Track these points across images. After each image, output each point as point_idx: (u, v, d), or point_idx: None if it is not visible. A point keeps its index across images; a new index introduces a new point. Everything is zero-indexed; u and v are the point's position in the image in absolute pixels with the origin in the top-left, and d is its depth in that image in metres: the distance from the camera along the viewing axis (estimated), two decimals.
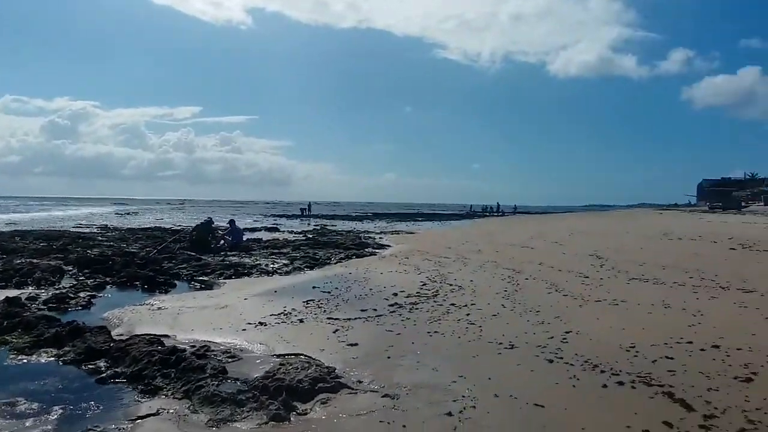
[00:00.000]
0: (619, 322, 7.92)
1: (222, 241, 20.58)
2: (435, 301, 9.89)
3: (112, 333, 8.24)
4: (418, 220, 58.52)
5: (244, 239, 22.63)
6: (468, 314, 8.71)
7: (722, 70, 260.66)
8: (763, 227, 27.08)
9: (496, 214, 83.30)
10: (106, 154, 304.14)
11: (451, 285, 11.67)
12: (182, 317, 9.29)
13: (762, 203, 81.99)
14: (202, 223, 20.83)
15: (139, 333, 8.26)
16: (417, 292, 10.83)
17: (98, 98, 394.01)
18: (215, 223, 22.16)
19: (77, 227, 35.95)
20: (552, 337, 7.18)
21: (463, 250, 19.11)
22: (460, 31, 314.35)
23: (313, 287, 12.02)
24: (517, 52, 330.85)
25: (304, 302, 10.16)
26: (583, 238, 24.50)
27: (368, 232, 34.29)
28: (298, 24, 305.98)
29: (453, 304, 9.52)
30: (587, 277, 12.23)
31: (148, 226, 35.88)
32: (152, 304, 10.50)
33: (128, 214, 59.52)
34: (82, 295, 11.53)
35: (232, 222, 22.08)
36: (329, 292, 11.29)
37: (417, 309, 9.26)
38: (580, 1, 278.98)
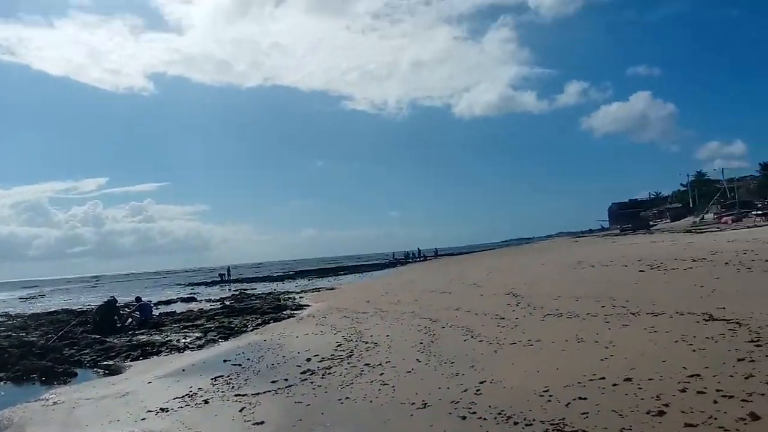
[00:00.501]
0: (534, 365, 7.75)
1: (129, 320, 19.51)
2: (349, 363, 9.49)
3: None
4: (341, 274, 58.02)
5: (155, 314, 21.62)
6: (382, 374, 8.35)
7: (615, 98, 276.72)
8: (669, 244, 28.15)
9: (418, 259, 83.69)
10: (9, 234, 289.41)
11: (366, 342, 11.29)
12: (78, 411, 8.61)
13: (668, 220, 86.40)
14: (104, 303, 19.61)
15: None
16: (331, 355, 10.39)
17: None
18: (120, 302, 21.02)
19: None
20: (466, 390, 6.91)
21: (381, 302, 18.80)
22: (363, 82, 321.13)
23: (224, 361, 11.41)
24: (422, 97, 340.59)
25: (212, 379, 9.57)
26: (500, 276, 24.68)
27: (288, 292, 33.60)
28: (202, 86, 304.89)
29: (367, 364, 9.14)
30: (503, 318, 12.10)
31: (53, 310, 33.81)
32: (47, 399, 9.78)
33: (34, 297, 56.15)
34: None
35: (138, 298, 21.04)
36: (240, 365, 10.70)
37: (330, 374, 8.83)
38: (475, 44, 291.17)
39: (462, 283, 23.00)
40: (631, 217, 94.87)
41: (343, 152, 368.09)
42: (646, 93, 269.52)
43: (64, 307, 35.39)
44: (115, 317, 19.15)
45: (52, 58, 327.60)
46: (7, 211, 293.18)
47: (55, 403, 9.39)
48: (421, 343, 10.52)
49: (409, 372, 8.27)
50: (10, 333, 20.54)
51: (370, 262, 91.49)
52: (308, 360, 10.22)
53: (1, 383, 12.03)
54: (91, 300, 38.84)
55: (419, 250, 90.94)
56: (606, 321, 10.26)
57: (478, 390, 6.86)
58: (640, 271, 17.70)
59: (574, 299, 13.48)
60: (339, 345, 11.41)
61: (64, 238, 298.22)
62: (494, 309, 13.67)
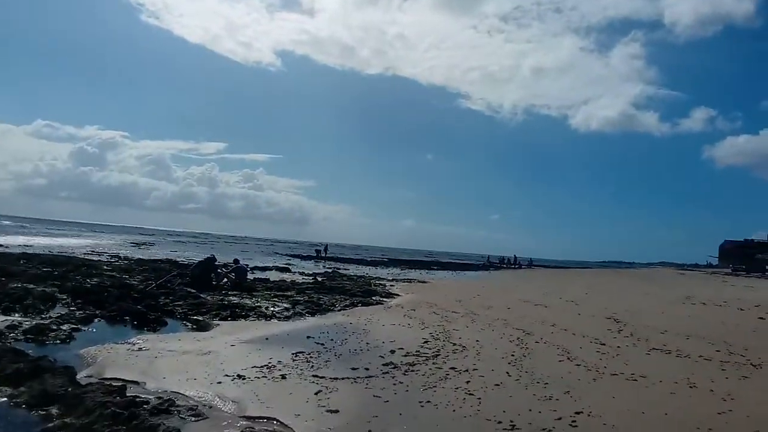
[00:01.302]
0: (638, 404, 6.99)
1: (225, 279, 19.94)
2: (434, 363, 9.02)
3: (80, 374, 7.67)
4: (433, 269, 57.48)
5: (249, 278, 22.03)
6: (468, 381, 7.83)
7: (744, 130, 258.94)
8: None
9: (513, 266, 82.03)
10: (131, 183, 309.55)
11: (454, 344, 10.78)
12: (159, 362, 8.61)
13: None
14: (203, 260, 20.18)
15: (107, 376, 7.67)
16: (416, 351, 9.96)
17: (127, 129, 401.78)
18: (219, 261, 21.54)
19: (88, 254, 35.77)
20: (560, 419, 6.28)
21: (473, 305, 18.20)
22: (483, 82, 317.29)
23: (308, 337, 11.25)
24: (540, 105, 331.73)
25: (293, 354, 9.40)
26: (600, 297, 23.46)
27: (380, 278, 33.44)
28: (325, 68, 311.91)
29: (453, 368, 8.64)
30: (603, 344, 11.26)
31: (158, 258, 35.44)
32: (133, 344, 9.93)
33: (144, 245, 59.21)
34: (64, 327, 11.09)
35: (236, 260, 21.47)
36: (323, 344, 10.49)
37: (413, 371, 8.40)
38: (601, 57, 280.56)
39: (558, 298, 22.01)
40: (745, 257, 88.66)
41: (453, 149, 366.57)
42: None
43: (169, 257, 37.04)
44: (212, 275, 19.61)
45: (192, 26, 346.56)
46: (132, 162, 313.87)
47: (140, 348, 9.50)
48: (513, 355, 9.91)
49: (498, 385, 7.70)
50: (114, 273, 21.60)
51: (464, 261, 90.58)
52: (392, 352, 9.86)
53: (97, 320, 12.37)
54: (195, 255, 40.36)
55: (515, 257, 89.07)
56: (722, 368, 9.26)
57: (573, 422, 6.21)
58: (760, 318, 16.20)
59: (684, 337, 12.41)
60: (425, 342, 10.97)
61: (180, 194, 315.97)
62: (593, 332, 12.82)
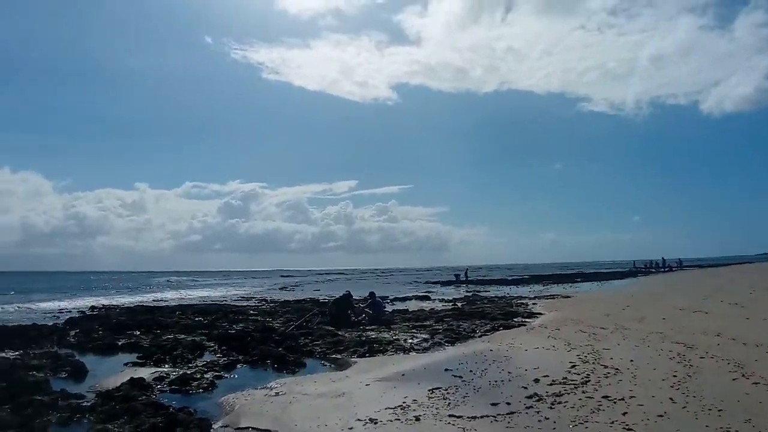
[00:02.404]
0: None
1: (362, 315, 19.89)
2: (584, 391, 8.14)
3: (216, 424, 7.84)
4: (577, 281, 54.87)
5: (387, 311, 21.89)
6: (625, 413, 6.91)
7: None
8: None
9: (662, 269, 76.93)
10: (274, 229, 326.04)
11: (605, 367, 9.79)
12: (292, 407, 8.49)
13: None
14: (340, 297, 20.29)
15: (242, 426, 7.76)
16: (563, 378, 9.11)
17: (265, 179, 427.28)
18: (357, 296, 21.62)
19: (238, 300, 37.68)
20: None
21: (623, 318, 16.83)
22: (602, 82, 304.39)
23: (446, 369, 10.70)
24: (666, 95, 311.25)
25: (429, 390, 8.91)
26: None
27: (521, 297, 32.27)
28: (441, 93, 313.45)
29: (606, 396, 7.73)
30: None
31: (302, 298, 36.53)
32: (271, 389, 9.95)
33: (289, 287, 61.40)
34: (208, 375, 11.48)
35: (372, 294, 21.36)
36: (461, 377, 9.91)
37: (560, 403, 7.59)
38: (724, 32, 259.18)
39: (719, 302, 19.96)
40: None
41: (581, 155, 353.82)
42: None
43: (312, 297, 38.07)
44: (349, 311, 19.62)
45: (310, 75, 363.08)
46: (273, 209, 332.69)
47: (277, 393, 9.47)
48: (675, 375, 8.78)
49: (661, 416, 6.71)
50: (258, 317, 22.34)
51: (610, 270, 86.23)
52: (536, 381, 9.09)
53: (239, 366, 12.69)
54: (336, 292, 41.12)
55: (663, 260, 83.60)
56: None
57: None
58: None
59: None
60: (573, 366, 10.07)
61: (320, 234, 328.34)
62: None
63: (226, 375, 11.70)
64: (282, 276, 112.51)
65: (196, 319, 22.37)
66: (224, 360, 13.22)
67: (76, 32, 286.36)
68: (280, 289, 58.65)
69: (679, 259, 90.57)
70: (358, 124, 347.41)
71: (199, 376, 11.28)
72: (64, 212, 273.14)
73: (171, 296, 45.11)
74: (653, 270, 76.55)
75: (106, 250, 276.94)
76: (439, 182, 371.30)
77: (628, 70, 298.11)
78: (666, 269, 77.06)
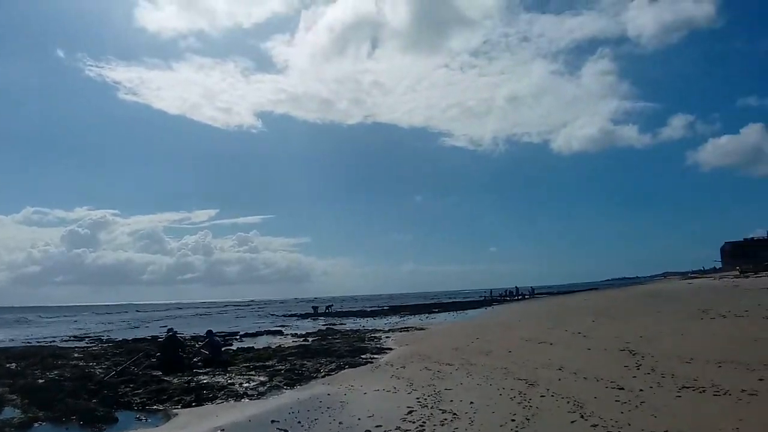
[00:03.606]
0: None
1: (197, 357, 18.09)
2: None
3: None
4: (435, 312, 55.41)
5: (232, 350, 20.21)
6: None
7: (725, 131, 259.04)
8: None
9: (516, 297, 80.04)
10: (126, 260, 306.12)
11: (443, 411, 8.94)
12: None
13: None
14: (166, 339, 18.09)
15: None
16: (396, 428, 8.14)
17: (117, 206, 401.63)
18: (189, 335, 19.69)
19: (69, 340, 34.31)
20: None
21: (471, 351, 16.38)
22: (462, 118, 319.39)
23: (272, 421, 9.46)
24: (520, 133, 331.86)
25: None
26: (609, 324, 21.62)
27: (376, 330, 31.70)
28: (306, 123, 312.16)
29: None
30: (622, 388, 9.46)
31: (143, 337, 33.84)
32: None
33: (135, 324, 57.20)
34: None
35: (209, 333, 19.57)
36: (287, 431, 8.68)
37: None
38: (573, 78, 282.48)
39: (564, 331, 20.17)
40: (750, 256, 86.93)
41: (442, 187, 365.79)
42: (759, 125, 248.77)
43: (156, 334, 35.24)
44: (181, 353, 17.70)
45: (170, 98, 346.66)
46: (126, 239, 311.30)
47: None
48: (513, 419, 8.07)
49: None
50: (79, 363, 19.89)
51: (467, 299, 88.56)
52: None
53: (38, 425, 10.86)
54: (188, 329, 38.66)
55: (517, 289, 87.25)
56: None
57: None
58: None
59: (715, 364, 10.64)
60: (410, 412, 9.15)
61: (176, 265, 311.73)
62: (608, 371, 11.03)
63: None
64: (137, 311, 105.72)
65: (7, 365, 19.47)
66: (20, 418, 11.14)
67: None
68: (124, 325, 54.62)
69: (531, 287, 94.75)
70: (220, 151, 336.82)
71: None
72: None
73: None
74: (507, 298, 79.28)
75: None
76: (301, 213, 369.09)
77: (486, 108, 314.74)
78: (520, 297, 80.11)
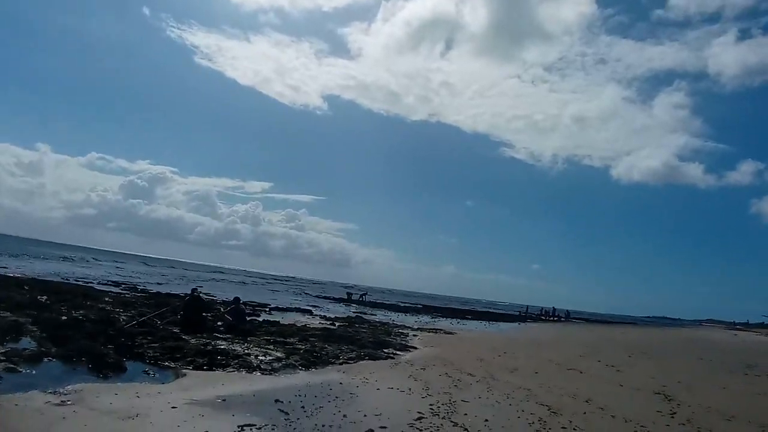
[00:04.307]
0: None
1: (220, 322, 17.90)
2: None
3: None
4: (467, 318, 54.54)
5: (256, 320, 19.98)
6: None
7: None
8: None
9: (552, 318, 78.34)
10: (177, 218, 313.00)
11: (455, 425, 8.36)
12: (58, 426, 6.68)
13: None
14: (189, 298, 17.85)
15: None
16: None
17: (177, 165, 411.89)
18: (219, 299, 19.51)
19: (106, 284, 34.92)
20: None
21: (495, 365, 15.71)
22: (526, 131, 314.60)
23: (276, 401, 9.05)
24: (582, 155, 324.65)
25: (238, 427, 7.23)
26: (645, 362, 20.59)
27: (404, 326, 31.04)
28: (370, 113, 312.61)
29: None
30: None
31: (177, 293, 34.07)
32: (59, 394, 8.19)
33: (177, 279, 58.20)
34: None
35: (236, 299, 19.36)
36: (287, 414, 8.29)
37: None
38: (645, 107, 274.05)
39: (597, 362, 19.25)
40: None
41: (495, 197, 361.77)
42: None
43: (187, 293, 35.43)
44: (206, 314, 17.53)
45: (244, 69, 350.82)
46: (180, 197, 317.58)
47: (61, 403, 7.77)
48: None
49: None
50: (106, 307, 19.98)
51: (502, 312, 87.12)
52: None
53: (47, 360, 10.74)
54: (223, 293, 38.93)
55: (554, 309, 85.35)
56: None
57: None
58: None
59: (759, 426, 9.76)
60: (419, 418, 8.60)
61: (224, 230, 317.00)
62: (638, 414, 10.25)
63: (21, 369, 9.76)
64: (185, 269, 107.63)
65: (38, 297, 19.71)
66: (32, 350, 11.08)
67: None
68: (162, 278, 55.60)
69: (567, 310, 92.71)
70: (284, 127, 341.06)
71: None
72: None
73: (41, 269, 41.42)
74: (543, 317, 77.70)
75: None
76: (352, 199, 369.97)
77: (552, 125, 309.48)
78: (555, 318, 78.46)
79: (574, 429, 8.69)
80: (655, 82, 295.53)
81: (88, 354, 11.18)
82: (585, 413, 9.96)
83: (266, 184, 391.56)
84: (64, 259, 70.74)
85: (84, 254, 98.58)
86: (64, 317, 15.44)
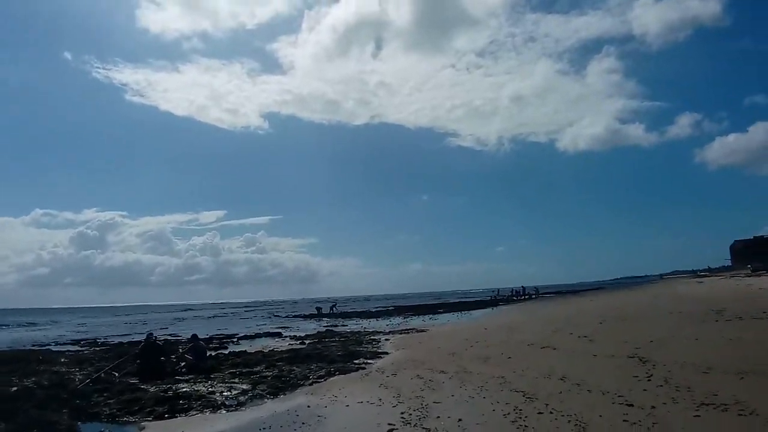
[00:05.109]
0: None
1: (182, 363, 17.06)
2: None
3: None
4: (439, 312, 54.24)
5: (209, 357, 19.16)
6: None
7: (732, 129, 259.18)
8: None
9: (523, 297, 78.78)
10: (134, 262, 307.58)
11: (428, 430, 7.93)
12: None
13: None
14: (145, 344, 16.92)
15: None
16: None
17: (125, 208, 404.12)
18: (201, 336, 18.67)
19: (67, 343, 33.73)
20: None
21: (467, 357, 15.35)
22: (468, 118, 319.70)
23: None
24: (526, 133, 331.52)
25: None
26: (617, 327, 20.49)
27: (376, 332, 30.67)
28: (312, 124, 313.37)
29: None
30: (631, 404, 8.37)
31: (138, 340, 32.94)
32: None
33: (137, 324, 56.63)
34: None
35: (194, 337, 18.60)
36: None
37: None
38: (578, 78, 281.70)
39: (569, 335, 19.05)
40: (761, 254, 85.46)
41: (449, 187, 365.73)
42: (767, 123, 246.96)
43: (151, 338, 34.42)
44: (163, 358, 16.67)
45: (177, 100, 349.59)
46: (134, 240, 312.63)
47: None
48: None
49: None
50: (62, 368, 19.04)
51: (474, 299, 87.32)
52: None
53: None
54: (188, 331, 37.81)
55: (523, 288, 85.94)
56: None
57: None
58: None
59: (736, 375, 9.55)
60: (391, 430, 8.13)
61: (184, 266, 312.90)
62: (615, 383, 9.96)
63: None
64: (153, 312, 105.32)
65: None
66: None
67: None
68: (126, 326, 54.09)
69: (536, 287, 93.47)
70: (227, 152, 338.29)
71: None
72: None
73: None
74: (514, 298, 78.02)
75: None
76: (308, 213, 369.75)
77: (492, 108, 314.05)
78: (526, 296, 78.86)
79: (550, 412, 8.31)
80: (585, 52, 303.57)
81: (38, 424, 10.44)
82: (560, 393, 9.61)
83: (220, 213, 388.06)
84: (20, 325, 68.20)
85: (42, 316, 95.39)
86: (13, 388, 14.46)
